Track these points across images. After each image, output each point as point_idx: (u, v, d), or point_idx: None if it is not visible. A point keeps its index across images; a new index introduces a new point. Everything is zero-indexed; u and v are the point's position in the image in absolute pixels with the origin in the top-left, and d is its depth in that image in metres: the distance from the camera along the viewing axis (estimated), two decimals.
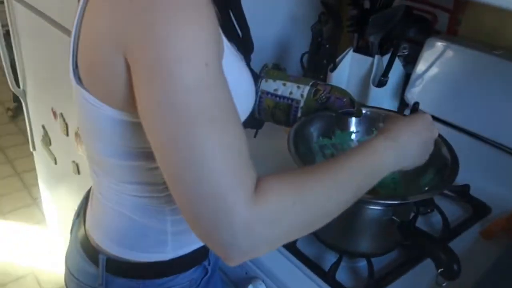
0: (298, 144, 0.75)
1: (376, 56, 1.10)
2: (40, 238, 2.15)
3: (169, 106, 0.45)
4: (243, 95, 0.62)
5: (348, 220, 0.75)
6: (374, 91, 1.10)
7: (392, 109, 1.20)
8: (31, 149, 1.79)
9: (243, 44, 0.69)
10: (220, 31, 0.54)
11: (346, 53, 1.14)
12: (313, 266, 0.77)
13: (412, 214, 0.88)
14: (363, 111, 0.87)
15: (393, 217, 0.71)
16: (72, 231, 0.77)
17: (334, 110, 0.84)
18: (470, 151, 1.04)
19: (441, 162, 0.77)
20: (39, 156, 1.82)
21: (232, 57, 0.58)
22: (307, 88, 0.84)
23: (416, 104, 0.74)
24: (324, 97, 0.83)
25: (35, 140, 1.77)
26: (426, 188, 0.72)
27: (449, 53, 1.06)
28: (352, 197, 0.55)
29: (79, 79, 0.56)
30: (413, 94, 1.11)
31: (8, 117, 3.05)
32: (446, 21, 1.13)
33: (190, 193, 0.46)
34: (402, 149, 0.62)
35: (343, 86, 1.17)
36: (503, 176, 0.99)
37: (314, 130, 0.82)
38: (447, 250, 0.63)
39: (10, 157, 2.67)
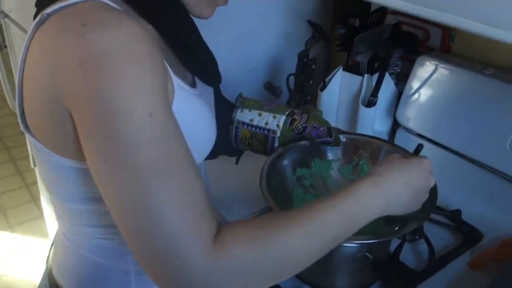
0: (271, 180, 0.73)
1: (366, 75, 1.07)
2: (47, 251, 2.18)
3: (114, 162, 0.44)
4: (201, 134, 0.61)
5: (322, 257, 0.73)
6: (364, 111, 1.08)
7: (383, 129, 1.18)
8: (32, 165, 1.82)
9: (208, 76, 0.68)
10: (170, 74, 0.53)
11: (336, 72, 1.12)
12: None
13: (399, 242, 0.86)
14: (343, 139, 0.85)
15: (367, 254, 0.68)
16: (47, 261, 0.77)
17: (311, 139, 0.82)
18: (463, 174, 1.01)
19: None
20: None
21: (187, 97, 0.57)
22: (283, 118, 0.83)
23: (420, 146, 0.70)
24: (300, 127, 0.81)
25: None
26: (397, 228, 0.69)
27: (440, 72, 1.02)
28: (327, 247, 0.53)
29: (26, 125, 0.55)
30: (404, 114, 1.08)
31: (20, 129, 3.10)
32: (439, 37, 1.10)
33: (144, 250, 0.45)
34: (391, 199, 0.59)
35: (333, 106, 1.16)
36: (496, 200, 0.96)
37: (289, 163, 0.81)
38: None
39: (20, 169, 2.71)
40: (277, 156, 0.80)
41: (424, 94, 1.05)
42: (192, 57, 0.61)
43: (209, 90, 0.72)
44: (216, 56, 1.15)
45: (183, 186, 0.46)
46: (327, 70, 1.15)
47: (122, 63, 0.44)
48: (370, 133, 1.11)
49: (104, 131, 0.44)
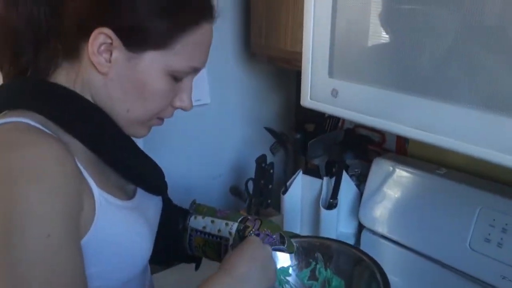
0: None
1: (324, 178, 1.09)
2: None
3: (4, 276, 0.44)
4: (132, 247, 0.60)
5: None
6: (326, 213, 1.08)
7: (348, 231, 1.17)
8: None
9: (151, 187, 0.69)
10: (93, 190, 0.53)
11: (296, 176, 1.14)
12: None
13: None
14: (295, 245, 0.83)
15: None
16: None
17: None
18: (429, 275, 0.99)
19: (377, 286, 0.72)
20: None
21: (115, 212, 0.57)
22: (236, 225, 0.82)
23: (240, 231, 0.76)
24: (253, 234, 0.81)
25: None
26: None
27: (396, 173, 1.05)
28: None
29: None
30: (366, 215, 1.09)
31: None
32: (395, 140, 1.14)
33: None
34: (240, 281, 0.60)
35: (296, 209, 1.16)
36: None
37: None
38: None
39: None
40: None
41: (384, 195, 1.06)
42: (128, 169, 0.63)
43: (154, 199, 0.72)
44: (180, 167, 1.18)
45: None
46: (289, 174, 1.17)
47: (25, 183, 0.46)
48: (334, 235, 1.10)
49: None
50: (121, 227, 0.58)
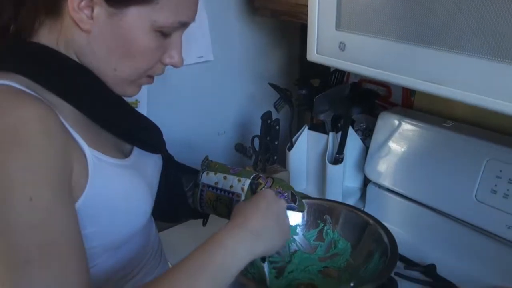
0: None
1: (330, 134, 1.09)
2: None
3: (1, 246, 0.44)
4: (129, 204, 0.60)
5: None
6: (332, 168, 1.08)
7: (354, 186, 1.18)
8: None
9: (146, 145, 0.68)
10: (84, 148, 0.52)
11: (302, 132, 1.14)
12: None
13: None
14: (306, 205, 0.84)
15: None
16: None
17: None
18: (435, 227, 1.01)
19: (383, 249, 0.73)
20: None
21: (108, 169, 0.57)
22: (248, 181, 0.82)
23: (253, 184, 0.74)
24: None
25: None
26: (352, 285, 0.68)
27: (402, 127, 1.04)
28: None
29: None
30: (372, 169, 1.09)
31: None
32: (401, 93, 1.13)
33: None
34: (255, 235, 0.59)
35: (302, 165, 1.16)
36: (468, 252, 0.95)
37: None
38: None
39: None
40: None
41: (390, 149, 1.06)
42: (119, 128, 0.62)
43: (152, 157, 0.72)
44: (183, 125, 1.18)
45: (54, 275, 0.45)
46: (294, 130, 1.17)
47: (6, 147, 0.45)
48: (339, 190, 1.11)
49: None
50: (117, 185, 0.57)
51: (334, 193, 1.10)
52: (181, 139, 1.16)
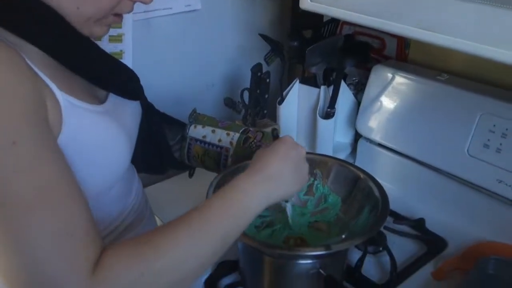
0: None
1: (322, 87, 1.06)
2: None
3: None
4: (106, 152, 0.57)
5: (276, 276, 0.71)
6: (323, 123, 1.06)
7: (345, 141, 1.17)
8: None
9: (121, 90, 0.65)
10: (55, 92, 0.50)
11: (293, 85, 1.11)
12: None
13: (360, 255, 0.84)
14: None
15: (320, 271, 0.65)
16: None
17: None
18: (425, 182, 1.00)
19: (374, 202, 0.72)
20: None
21: (81, 115, 0.54)
22: (237, 135, 0.80)
23: (275, 131, 0.71)
24: (254, 145, 0.79)
25: None
26: (343, 236, 0.67)
27: (396, 80, 1.02)
28: (220, 247, 0.51)
29: None
30: (364, 124, 1.07)
31: None
32: (395, 46, 1.10)
33: (20, 285, 0.42)
34: (273, 180, 0.59)
35: (293, 119, 1.14)
36: (458, 206, 0.95)
37: None
38: None
39: None
40: (228, 173, 0.77)
41: (382, 103, 1.04)
42: (91, 72, 0.58)
43: (130, 104, 0.68)
44: (170, 77, 1.14)
45: (58, 218, 0.43)
46: (285, 83, 1.14)
47: None
48: (330, 146, 1.09)
49: None
50: (93, 132, 0.55)
51: (325, 148, 1.08)
52: (168, 93, 1.12)
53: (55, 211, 0.43)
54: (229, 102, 1.16)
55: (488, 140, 0.87)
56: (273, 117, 1.14)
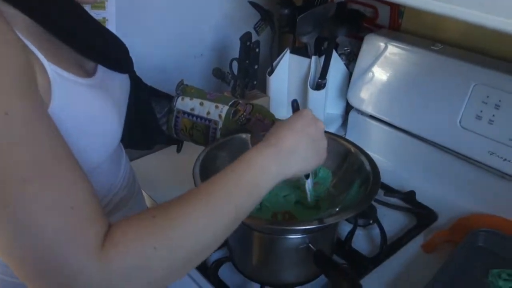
0: (208, 171, 0.68)
1: (313, 57, 1.04)
2: None
3: None
4: (96, 126, 0.55)
5: (265, 251, 0.70)
6: (313, 94, 1.04)
7: (337, 112, 1.15)
8: None
9: (111, 62, 0.62)
10: (43, 63, 0.47)
11: (283, 55, 1.08)
12: None
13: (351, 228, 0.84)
14: None
15: (310, 245, 0.65)
16: None
17: (254, 132, 0.77)
18: (417, 154, 0.99)
19: (365, 176, 0.71)
20: None
21: (70, 87, 0.51)
22: (226, 108, 0.78)
23: (294, 102, 0.69)
24: (244, 118, 0.77)
25: None
26: (337, 209, 0.66)
27: (389, 50, 0.99)
28: (232, 221, 0.49)
29: None
30: (355, 95, 1.05)
31: None
32: (388, 14, 1.07)
33: (26, 271, 0.40)
34: (287, 154, 0.56)
35: (283, 90, 1.12)
36: (449, 179, 0.94)
37: (228, 155, 0.75)
38: (355, 283, 0.57)
39: None
40: (216, 147, 0.75)
41: (374, 74, 1.02)
42: (81, 42, 0.55)
43: (118, 77, 0.65)
44: (157, 48, 1.10)
45: (60, 191, 0.41)
46: (275, 54, 1.11)
47: None
48: (321, 117, 1.08)
49: None
50: (83, 106, 0.52)
51: None
52: (154, 64, 1.09)
53: (56, 185, 0.41)
54: (218, 73, 1.13)
55: (481, 111, 0.86)
56: (263, 88, 1.12)
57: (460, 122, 0.89)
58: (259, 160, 0.54)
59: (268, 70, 1.08)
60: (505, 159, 0.83)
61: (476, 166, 0.89)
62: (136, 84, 0.73)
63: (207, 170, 0.68)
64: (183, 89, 0.80)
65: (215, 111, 0.78)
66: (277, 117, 0.80)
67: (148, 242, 0.42)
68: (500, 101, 0.84)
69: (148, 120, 0.79)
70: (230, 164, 0.53)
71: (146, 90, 0.81)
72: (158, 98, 0.81)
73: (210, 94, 0.80)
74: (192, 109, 0.79)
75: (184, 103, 0.79)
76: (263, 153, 0.55)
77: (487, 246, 0.78)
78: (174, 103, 0.79)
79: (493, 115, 0.85)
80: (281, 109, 1.12)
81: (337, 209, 0.70)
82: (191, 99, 0.79)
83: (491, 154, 0.85)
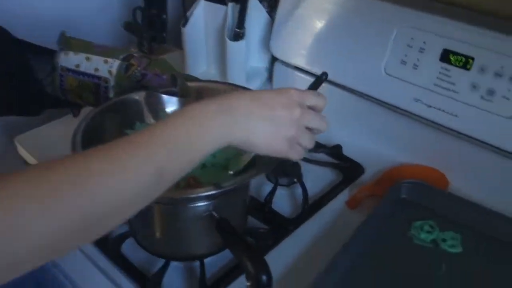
0: (92, 137, 0.59)
1: (230, 4, 0.94)
2: None
3: None
4: None
5: (166, 223, 0.62)
6: (232, 46, 0.95)
7: (260, 65, 1.06)
8: None
9: None
10: None
11: (197, 3, 0.97)
12: (134, 274, 0.64)
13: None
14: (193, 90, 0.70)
15: (213, 213, 0.57)
16: None
17: (152, 89, 0.68)
18: (342, 106, 0.93)
19: None
20: None
21: None
22: (117, 62, 0.68)
23: (324, 75, 0.59)
24: (139, 74, 0.67)
25: None
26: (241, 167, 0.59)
27: None
28: (154, 181, 0.41)
29: None
30: (278, 45, 0.97)
31: None
32: None
33: None
34: (235, 114, 0.46)
35: (201, 43, 1.02)
36: (376, 130, 0.89)
37: (121, 117, 0.65)
38: (256, 260, 0.50)
39: None
40: (107, 108, 0.65)
41: (297, 22, 0.93)
42: None
43: None
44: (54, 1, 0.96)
45: None
46: (188, 2, 1.00)
47: None
48: (243, 71, 0.99)
49: None
50: None
51: (237, 74, 0.98)
52: (51, 17, 0.96)
53: None
54: (130, 27, 1.01)
55: (406, 55, 0.80)
56: (178, 42, 1.01)
57: (385, 68, 0.83)
58: (197, 114, 0.44)
59: (182, 21, 0.97)
60: (429, 106, 0.78)
61: (402, 115, 0.84)
62: (2, 40, 0.62)
63: (93, 140, 0.58)
64: (66, 42, 0.69)
65: (104, 66, 0.68)
66: (195, 73, 0.70)
67: (38, 197, 0.34)
68: (424, 43, 0.78)
69: (27, 81, 0.68)
70: (162, 119, 0.44)
71: (25, 48, 0.69)
72: (39, 55, 0.70)
73: (98, 47, 0.70)
74: (78, 66, 0.68)
75: (68, 59, 0.68)
76: (203, 107, 0.45)
77: (411, 198, 0.73)
78: (57, 60, 0.68)
79: (418, 59, 0.79)
80: (199, 64, 1.02)
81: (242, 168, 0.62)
82: (75, 53, 0.68)
83: (416, 101, 0.80)
